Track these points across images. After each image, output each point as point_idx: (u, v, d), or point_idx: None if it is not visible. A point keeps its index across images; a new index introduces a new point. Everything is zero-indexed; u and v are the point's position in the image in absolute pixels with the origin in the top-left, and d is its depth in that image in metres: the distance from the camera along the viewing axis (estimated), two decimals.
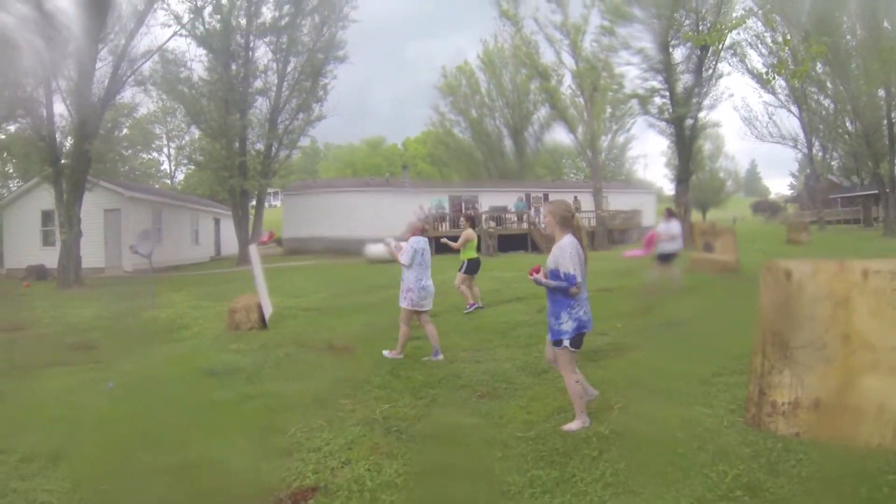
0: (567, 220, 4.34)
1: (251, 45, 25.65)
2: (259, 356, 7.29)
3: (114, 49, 19.25)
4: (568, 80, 31.11)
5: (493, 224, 27.55)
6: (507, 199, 31.24)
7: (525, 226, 28.35)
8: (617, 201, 33.33)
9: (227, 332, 9.10)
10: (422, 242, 6.71)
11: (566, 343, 4.20)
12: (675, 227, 11.16)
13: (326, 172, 66.70)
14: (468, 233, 10.61)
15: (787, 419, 3.84)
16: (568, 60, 28.75)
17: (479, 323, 8.97)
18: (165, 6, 22.38)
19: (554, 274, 4.24)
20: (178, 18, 23.23)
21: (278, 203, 38.61)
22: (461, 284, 10.39)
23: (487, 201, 31.15)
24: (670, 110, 23.75)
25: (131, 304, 13.21)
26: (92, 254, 21.57)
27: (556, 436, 4.10)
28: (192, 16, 23.73)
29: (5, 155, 30.84)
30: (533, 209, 30.55)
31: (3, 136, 24.94)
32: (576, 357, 4.37)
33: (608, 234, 29.12)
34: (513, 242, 26.64)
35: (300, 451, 4.19)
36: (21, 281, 20.13)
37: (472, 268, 10.41)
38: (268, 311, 9.55)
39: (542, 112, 43.99)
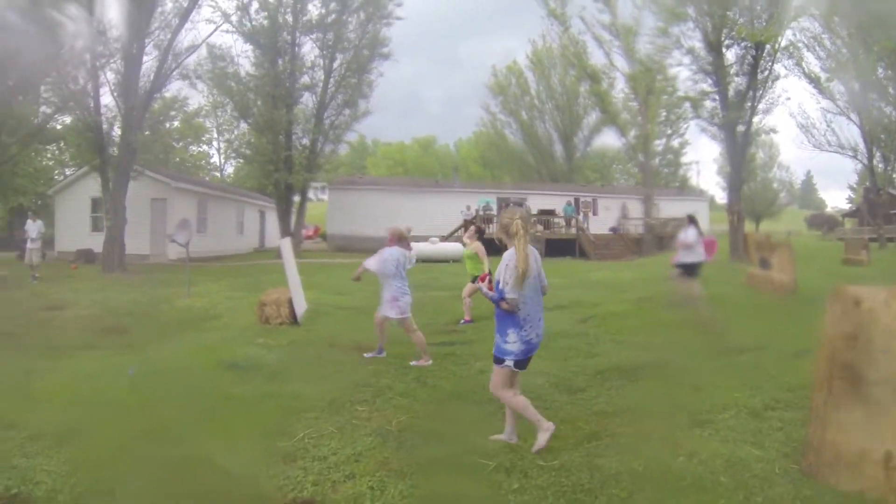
0: (508, 231, 3.99)
1: (297, 41, 25.78)
2: (285, 353, 7.09)
3: (159, 43, 19.70)
4: (620, 83, 30.34)
5: (540, 228, 27.09)
6: (556, 202, 30.84)
7: (573, 231, 27.80)
8: (668, 208, 32.45)
9: (257, 325, 8.95)
10: (395, 253, 6.63)
11: (509, 363, 3.91)
12: (691, 235, 10.18)
13: (375, 170, 66.93)
14: (479, 245, 10.15)
15: (852, 472, 3.23)
16: (620, 62, 28.02)
17: None
18: (212, 3, 22.81)
19: (498, 287, 3.88)
20: (225, 15, 23.64)
21: (325, 197, 39.03)
22: (468, 296, 10.05)
23: (536, 204, 30.64)
24: (722, 114, 22.70)
25: (168, 291, 13.29)
26: (138, 241, 22.16)
27: (582, 468, 3.68)
28: (239, 13, 24.12)
29: (62, 144, 31.82)
30: (581, 214, 29.96)
31: (59, 127, 25.61)
32: (515, 376, 4.09)
33: (658, 241, 28.24)
34: (560, 247, 26.07)
35: (304, 459, 3.95)
36: (70, 263, 20.62)
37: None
38: (301, 307, 9.33)
39: (593, 116, 43.56)
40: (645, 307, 9.89)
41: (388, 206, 30.31)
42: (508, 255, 3.86)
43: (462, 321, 9.77)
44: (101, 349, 7.75)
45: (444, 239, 25.32)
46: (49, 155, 36.00)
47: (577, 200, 31.91)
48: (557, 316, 9.52)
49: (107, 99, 19.63)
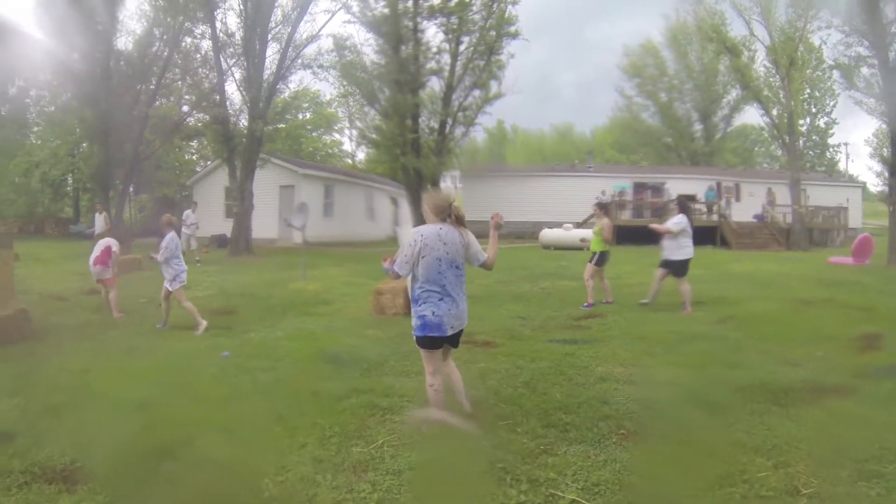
0: (441, 212, 4.04)
1: (420, 27, 25.62)
2: (389, 346, 6.68)
3: (279, 37, 20.46)
4: (762, 55, 27.58)
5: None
6: (696, 186, 28.55)
7: (715, 217, 25.71)
8: (817, 195, 29.17)
9: (371, 314, 8.67)
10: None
11: (415, 337, 4.01)
12: (679, 224, 8.71)
13: (514, 157, 66.42)
14: (606, 222, 9.76)
15: None
16: (760, 32, 25.37)
17: (647, 329, 7.41)
18: None
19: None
20: (346, 6, 23.89)
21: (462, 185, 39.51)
22: (590, 278, 9.49)
23: (675, 188, 28.51)
24: (881, 83, 19.45)
25: (285, 274, 13.50)
26: (267, 226, 23.31)
27: None
28: (359, 3, 24.27)
29: (203, 140, 34.26)
30: (724, 199, 27.65)
31: (200, 124, 27.62)
32: (436, 357, 4.08)
33: (808, 233, 25.32)
34: (700, 235, 23.84)
35: (377, 471, 3.49)
36: (202, 247, 21.94)
37: (603, 260, 9.56)
38: None
39: (733, 94, 40.41)
40: (800, 311, 8.55)
41: (521, 192, 29.93)
42: (413, 230, 4.08)
43: (585, 305, 9.34)
44: (207, 329, 7.86)
45: (579, 225, 24.31)
46: (192, 150, 38.93)
47: (718, 185, 29.61)
48: (694, 314, 8.49)
49: (235, 93, 20.72)
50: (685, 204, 9.28)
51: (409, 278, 4.18)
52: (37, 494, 3.29)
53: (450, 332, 3.99)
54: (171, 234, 8.11)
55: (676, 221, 8.69)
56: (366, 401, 4.73)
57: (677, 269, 8.74)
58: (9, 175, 32.56)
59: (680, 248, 8.70)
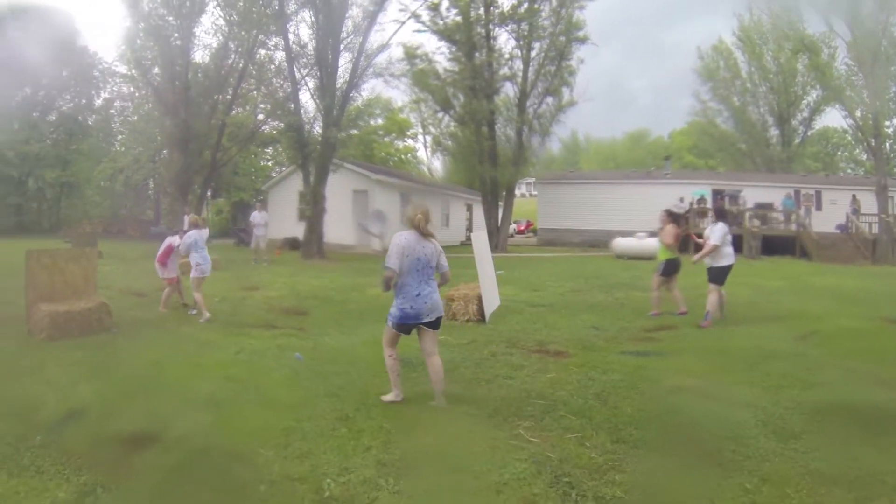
0: (412, 221, 4.67)
1: (492, 34, 25.66)
2: (461, 353, 6.62)
3: (351, 46, 20.77)
4: (842, 52, 26.16)
5: (756, 223, 24.15)
6: (774, 194, 27.37)
7: (793, 227, 24.49)
8: None
9: (442, 320, 8.66)
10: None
11: (389, 323, 4.74)
12: (718, 232, 8.16)
13: (588, 165, 65.75)
14: (668, 228, 9.32)
15: None
16: (840, 28, 24.04)
17: (725, 344, 7.08)
18: (402, 5, 23.42)
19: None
20: (416, 17, 24.14)
21: (537, 193, 39.44)
22: (656, 289, 9.23)
23: (752, 196, 27.55)
24: None
25: (362, 279, 13.58)
26: (341, 231, 23.60)
27: None
28: (430, 12, 24.51)
29: (278, 147, 35.34)
30: (803, 208, 26.34)
31: (275, 132, 28.51)
32: (396, 338, 4.81)
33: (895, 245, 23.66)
34: (778, 245, 23.04)
35: None
36: (275, 249, 22.50)
37: (670, 269, 9.16)
38: (492, 304, 8.86)
39: (813, 96, 38.77)
40: (889, 329, 7.99)
41: (596, 200, 29.65)
42: (395, 235, 4.65)
43: (652, 313, 9.17)
44: (277, 329, 7.96)
45: (652, 234, 23.55)
46: (267, 156, 40.21)
47: (797, 192, 28.15)
48: (774, 330, 7.95)
49: (309, 101, 21.27)
50: (723, 211, 8.96)
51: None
52: (107, 453, 3.68)
53: (425, 320, 4.67)
54: (191, 232, 8.86)
55: (718, 233, 8.23)
56: (432, 406, 4.70)
57: (716, 276, 8.32)
58: (95, 179, 34.55)
59: (721, 255, 8.28)
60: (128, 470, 3.52)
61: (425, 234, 4.67)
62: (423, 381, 5.37)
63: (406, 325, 4.68)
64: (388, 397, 4.84)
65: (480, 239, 9.81)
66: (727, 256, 8.28)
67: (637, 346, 7.03)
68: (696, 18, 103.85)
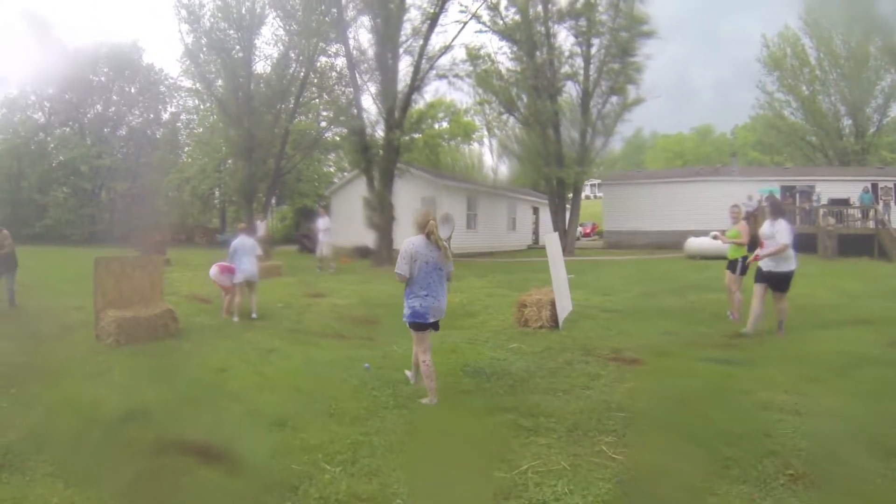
0: (422, 226, 4.97)
1: (551, 31, 25.12)
2: (535, 361, 6.26)
3: (411, 49, 20.59)
4: None
5: (832, 221, 22.19)
6: (849, 189, 25.63)
7: (871, 224, 22.67)
8: None
9: (514, 327, 8.23)
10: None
11: (406, 322, 4.96)
12: (782, 232, 7.08)
13: (654, 163, 64.34)
14: (743, 225, 8.62)
15: None
16: None
17: (807, 349, 6.50)
18: (463, 8, 23.09)
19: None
20: (477, 17, 23.77)
21: (601, 195, 38.36)
22: (737, 290, 8.57)
23: (826, 192, 25.77)
24: None
25: None
26: (411, 237, 23.38)
27: None
28: (490, 12, 24.17)
29: (340, 153, 35.82)
30: (882, 203, 24.60)
31: (337, 137, 28.79)
32: (425, 340, 5.00)
33: None
34: (854, 244, 21.25)
35: (520, 499, 3.16)
36: (341, 257, 22.47)
37: (745, 268, 8.40)
38: (565, 309, 8.43)
39: (887, 81, 36.23)
40: None
41: (662, 199, 28.78)
42: (404, 241, 4.98)
43: (729, 312, 8.69)
44: (345, 339, 7.73)
45: (725, 233, 22.48)
46: (330, 162, 40.73)
47: (874, 186, 26.24)
48: (861, 333, 7.29)
49: (371, 106, 21.21)
50: (780, 206, 7.94)
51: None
52: (172, 461, 3.63)
53: (431, 320, 4.95)
54: (234, 240, 9.29)
55: (788, 231, 7.20)
56: (509, 420, 4.37)
57: (781, 282, 7.25)
58: (163, 190, 35.76)
59: (785, 259, 7.17)
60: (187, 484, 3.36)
61: (435, 240, 4.92)
62: (498, 394, 5.08)
63: (418, 322, 4.90)
64: (425, 400, 4.86)
65: (553, 242, 9.34)
66: (792, 259, 7.28)
67: (717, 354, 6.52)
68: (758, 6, 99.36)
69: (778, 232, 7.16)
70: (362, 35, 25.37)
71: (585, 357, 6.42)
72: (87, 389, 5.15)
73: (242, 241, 9.12)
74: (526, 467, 3.53)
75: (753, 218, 25.21)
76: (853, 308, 9.28)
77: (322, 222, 17.83)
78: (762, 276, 7.30)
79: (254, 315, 9.02)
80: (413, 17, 20.51)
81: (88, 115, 36.41)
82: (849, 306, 9.47)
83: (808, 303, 8.68)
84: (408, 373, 5.49)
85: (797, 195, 26.51)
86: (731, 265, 8.62)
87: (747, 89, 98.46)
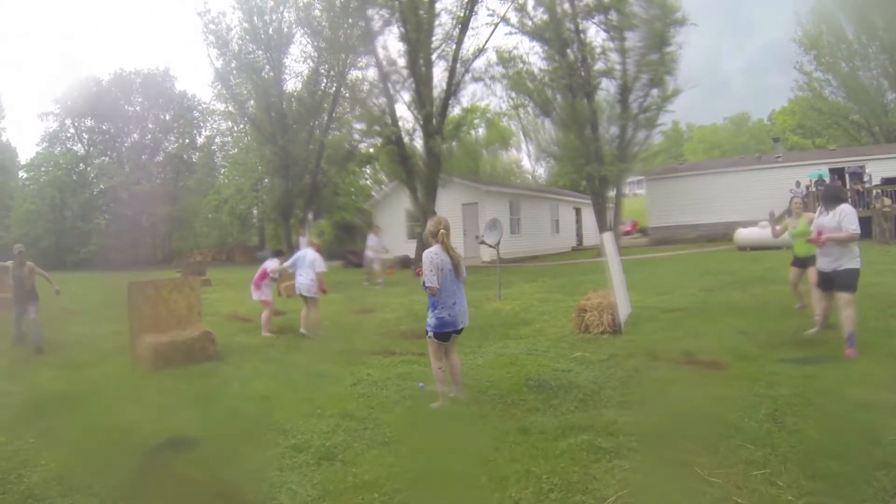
0: (434, 234, 4.96)
1: (580, 27, 24.52)
2: (602, 370, 5.75)
3: (444, 54, 20.56)
4: None
5: (887, 201, 20.57)
6: None
7: None
8: None
9: (574, 334, 7.71)
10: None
11: (430, 333, 4.93)
12: (849, 217, 5.77)
13: (693, 155, 63.12)
14: (810, 216, 7.55)
15: None
16: None
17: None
18: (491, 12, 22.85)
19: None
20: (505, 20, 23.49)
21: (642, 191, 37.30)
22: (796, 284, 8.05)
23: (878, 171, 24.40)
24: None
25: (476, 294, 12.75)
26: (454, 244, 22.92)
27: None
28: (518, 14, 23.80)
29: (376, 165, 35.76)
30: None
31: (371, 150, 28.76)
32: (442, 348, 4.95)
33: None
34: None
35: None
36: (387, 269, 22.13)
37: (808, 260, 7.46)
38: (625, 312, 7.89)
39: None
40: None
41: (707, 191, 28.03)
42: (425, 253, 4.93)
43: (798, 306, 8.10)
44: (395, 356, 7.27)
45: (777, 221, 21.55)
46: (366, 175, 40.70)
47: None
48: None
49: (407, 114, 21.03)
50: (838, 190, 6.52)
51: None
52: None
53: (460, 327, 4.96)
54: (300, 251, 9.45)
55: (854, 217, 5.86)
56: (586, 441, 3.86)
57: (849, 280, 5.89)
58: (203, 212, 36.22)
59: (851, 253, 5.89)
60: None
61: (447, 247, 4.91)
62: (569, 410, 4.57)
63: (444, 332, 4.88)
64: (436, 405, 4.87)
65: (610, 241, 8.78)
66: (856, 254, 5.93)
67: (797, 353, 5.93)
68: None
69: (844, 218, 5.81)
70: (392, 43, 25.27)
71: (654, 362, 5.90)
72: (118, 420, 4.83)
73: (304, 254, 9.01)
74: (614, 498, 3.08)
75: (802, 205, 23.93)
76: None
77: (372, 239, 17.55)
78: (823, 278, 6.25)
79: (302, 331, 8.81)
80: (444, 22, 20.25)
81: (126, 144, 37.43)
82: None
83: (879, 292, 8.01)
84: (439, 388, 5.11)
85: (847, 176, 25.26)
86: (801, 263, 7.79)
87: (780, 72, 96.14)
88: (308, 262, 8.87)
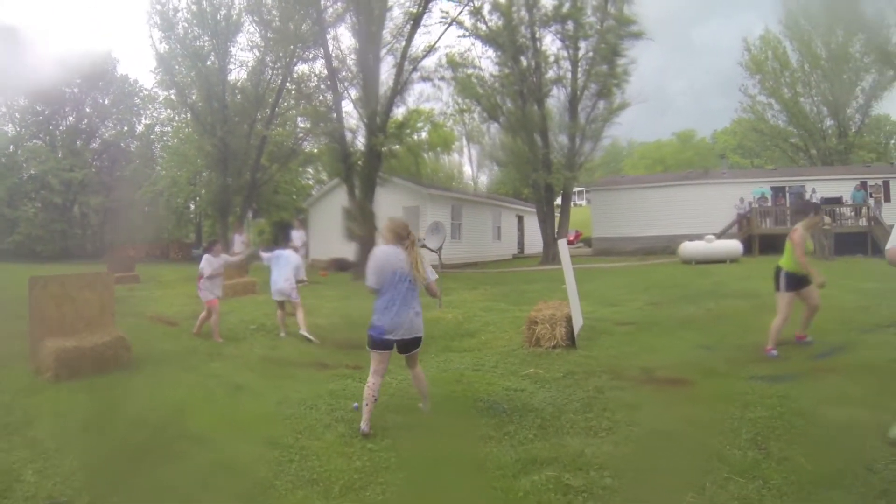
0: (400, 236, 4.56)
1: (537, 35, 24.39)
2: (560, 390, 5.22)
3: (394, 51, 19.91)
4: None
5: (827, 219, 21.19)
6: (840, 188, 25.62)
7: (863, 222, 22.58)
8: None
9: (524, 347, 7.13)
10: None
11: (369, 342, 4.47)
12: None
13: (633, 170, 64.26)
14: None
15: None
16: None
17: (867, 357, 5.79)
18: (444, 14, 22.40)
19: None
20: (458, 23, 23.16)
21: (584, 203, 37.31)
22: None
23: (819, 191, 25.65)
24: None
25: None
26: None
27: None
28: (473, 18, 23.55)
29: (318, 166, 34.74)
30: (872, 200, 24.62)
31: (315, 150, 28.09)
32: (384, 362, 4.47)
33: None
34: (847, 243, 21.09)
35: None
36: (319, 270, 21.23)
37: (798, 282, 6.64)
38: (578, 324, 7.38)
39: (867, 80, 36.56)
40: None
41: (652, 204, 28.24)
42: (373, 250, 4.75)
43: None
44: (329, 368, 6.60)
45: (719, 236, 22.31)
46: (308, 175, 39.58)
47: (863, 184, 26.07)
48: None
49: (353, 111, 20.42)
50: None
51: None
52: None
53: (391, 338, 4.41)
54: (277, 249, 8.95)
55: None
56: (552, 478, 3.35)
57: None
58: (137, 204, 34.42)
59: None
60: None
61: (408, 251, 4.53)
62: (528, 439, 4.07)
63: (378, 340, 4.42)
64: (364, 427, 4.25)
65: (565, 249, 8.28)
66: None
67: (765, 369, 5.63)
68: (733, 15, 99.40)
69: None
70: (343, 36, 24.56)
71: (617, 381, 5.44)
72: None
73: (286, 256, 8.58)
74: None
75: (746, 221, 24.83)
76: (883, 309, 8.50)
77: (296, 235, 16.35)
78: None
79: (302, 332, 8.25)
80: (395, 17, 19.73)
81: (60, 128, 35.15)
82: (878, 307, 8.70)
83: (832, 304, 7.84)
84: (420, 405, 4.73)
85: (788, 195, 26.21)
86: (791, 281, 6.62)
87: (724, 95, 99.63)
88: (293, 267, 8.51)
